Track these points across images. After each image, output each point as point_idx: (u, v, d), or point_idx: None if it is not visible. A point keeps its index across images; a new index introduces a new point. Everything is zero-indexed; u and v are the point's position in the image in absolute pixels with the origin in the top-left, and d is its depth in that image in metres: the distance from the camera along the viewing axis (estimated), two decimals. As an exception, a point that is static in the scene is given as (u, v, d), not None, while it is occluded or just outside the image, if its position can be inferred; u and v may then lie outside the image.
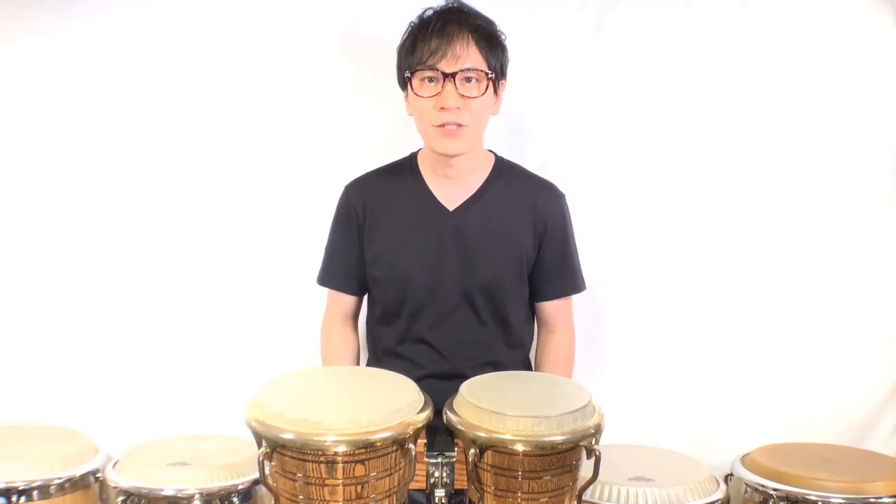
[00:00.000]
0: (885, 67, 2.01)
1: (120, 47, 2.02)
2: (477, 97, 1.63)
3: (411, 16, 1.71)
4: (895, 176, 2.04)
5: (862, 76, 2.01)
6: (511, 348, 1.77)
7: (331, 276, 1.83)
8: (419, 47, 1.62)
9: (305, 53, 2.04)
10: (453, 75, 1.60)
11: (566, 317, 1.84)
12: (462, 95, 1.61)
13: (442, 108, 1.61)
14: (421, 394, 1.41)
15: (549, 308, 1.82)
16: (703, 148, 2.04)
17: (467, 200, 1.74)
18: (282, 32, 2.03)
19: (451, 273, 1.71)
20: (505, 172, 1.78)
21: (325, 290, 1.87)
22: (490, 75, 1.64)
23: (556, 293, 1.80)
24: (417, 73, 1.63)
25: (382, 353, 1.78)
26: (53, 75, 2.02)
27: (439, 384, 1.54)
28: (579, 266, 1.83)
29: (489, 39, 1.65)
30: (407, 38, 1.67)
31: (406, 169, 1.79)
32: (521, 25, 1.94)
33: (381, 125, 2.03)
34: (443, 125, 1.63)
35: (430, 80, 1.63)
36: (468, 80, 1.62)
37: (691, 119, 2.04)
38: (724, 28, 2.01)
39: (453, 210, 1.73)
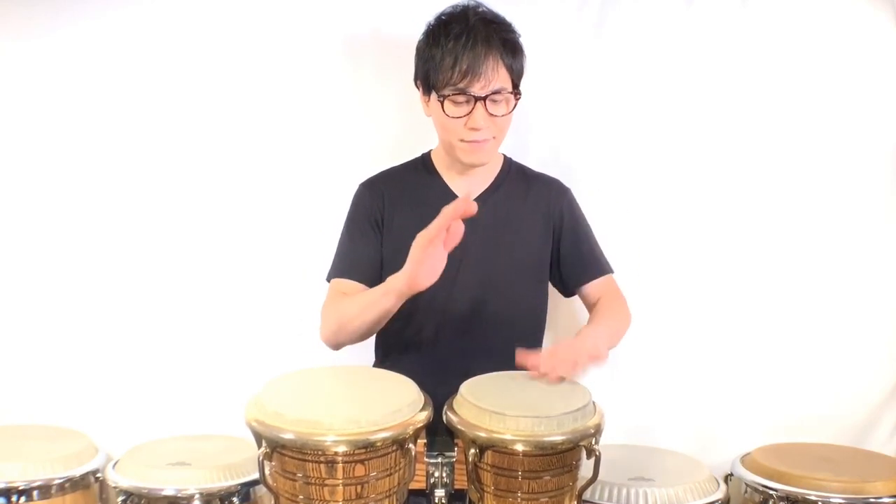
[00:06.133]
0: (885, 67, 2.01)
1: (120, 49, 2.02)
2: (505, 115, 1.65)
3: (413, 16, 1.71)
4: (895, 176, 2.04)
5: (862, 76, 2.01)
6: (525, 342, 1.76)
7: (349, 268, 1.77)
8: (447, 66, 1.59)
9: (305, 55, 2.04)
10: (484, 98, 1.61)
11: (613, 290, 1.82)
12: (491, 115, 1.62)
13: (472, 128, 1.63)
14: (421, 394, 1.41)
15: (590, 291, 1.81)
16: (703, 147, 2.04)
17: (483, 192, 1.77)
18: (285, 34, 2.03)
19: (469, 263, 1.72)
20: (514, 170, 1.83)
21: (325, 289, 1.86)
22: (517, 94, 1.66)
23: (590, 275, 1.80)
24: (448, 96, 1.62)
25: (395, 348, 1.78)
26: (56, 75, 2.03)
27: (455, 378, 1.52)
28: (601, 251, 1.84)
29: (514, 51, 1.65)
30: (432, 47, 1.63)
31: (420, 166, 1.81)
32: (522, 24, 1.94)
33: (380, 127, 2.04)
34: (471, 141, 1.65)
35: (459, 98, 1.62)
36: (496, 99, 1.63)
37: (692, 118, 2.04)
38: (724, 27, 2.01)
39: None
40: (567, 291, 1.85)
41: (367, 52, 2.03)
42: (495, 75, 1.60)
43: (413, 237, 1.72)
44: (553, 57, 2.02)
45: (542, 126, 2.05)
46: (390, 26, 1.99)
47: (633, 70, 2.03)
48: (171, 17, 2.02)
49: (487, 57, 1.59)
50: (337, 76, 2.04)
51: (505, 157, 1.83)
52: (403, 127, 1.97)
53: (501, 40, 1.62)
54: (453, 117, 1.63)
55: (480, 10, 1.66)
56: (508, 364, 1.59)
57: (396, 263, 1.73)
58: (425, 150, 1.83)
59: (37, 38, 2.02)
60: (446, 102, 1.62)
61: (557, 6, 2.03)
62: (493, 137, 1.67)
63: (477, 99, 1.60)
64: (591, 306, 1.81)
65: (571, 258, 1.80)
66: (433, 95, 1.65)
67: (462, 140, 1.65)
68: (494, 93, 1.61)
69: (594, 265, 1.81)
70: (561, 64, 2.04)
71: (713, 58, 2.02)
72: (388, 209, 1.76)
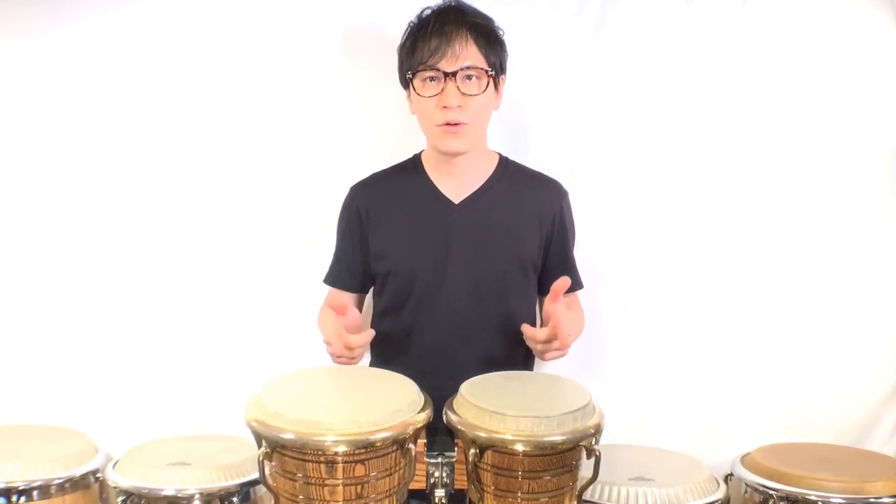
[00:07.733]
0: (885, 67, 2.01)
1: (120, 49, 2.02)
2: (478, 95, 1.66)
3: (412, 15, 1.72)
4: (895, 176, 2.04)
5: (862, 76, 2.01)
6: (514, 344, 1.77)
7: (335, 276, 1.85)
8: (419, 47, 1.65)
9: (305, 55, 2.04)
10: (454, 74, 1.63)
11: (577, 304, 1.88)
12: (463, 94, 1.64)
13: (444, 106, 1.64)
14: (421, 394, 1.41)
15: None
16: (704, 147, 2.04)
17: (472, 194, 1.76)
18: (285, 33, 2.03)
19: (457, 264, 1.72)
20: (510, 170, 1.82)
21: (325, 289, 1.87)
22: (490, 72, 1.67)
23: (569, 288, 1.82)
24: (419, 73, 1.66)
25: (387, 348, 1.79)
26: (56, 75, 2.02)
27: (444, 380, 1.52)
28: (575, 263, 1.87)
29: (487, 37, 1.68)
30: (407, 38, 1.70)
31: (410, 168, 1.82)
32: (522, 23, 1.94)
33: (380, 126, 2.04)
34: (445, 124, 1.65)
35: (432, 79, 1.65)
36: (469, 77, 1.65)
37: (692, 118, 2.03)
38: (724, 27, 2.01)
39: (459, 203, 1.76)
40: (541, 292, 1.85)
41: (367, 52, 2.03)
42: (464, 51, 1.63)
43: (399, 236, 1.75)
44: (553, 57, 2.02)
45: (541, 126, 2.04)
46: (391, 27, 1.98)
47: (633, 70, 2.03)
48: (171, 17, 2.02)
49: (456, 35, 1.63)
50: (337, 76, 2.04)
51: (500, 157, 1.83)
52: (403, 127, 1.97)
53: (472, 24, 1.66)
54: (425, 97, 1.65)
55: (455, 3, 1.70)
56: (503, 363, 1.60)
57: (384, 260, 1.75)
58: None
59: (37, 38, 2.01)
60: (417, 81, 1.66)
61: (557, 6, 2.03)
62: (469, 123, 1.66)
63: (447, 75, 1.62)
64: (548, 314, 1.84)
65: (554, 266, 1.81)
66: (410, 80, 1.68)
67: (437, 124, 1.66)
68: (465, 70, 1.63)
69: (573, 279, 1.81)
70: (561, 64, 2.03)
71: (713, 58, 2.02)
72: (374, 210, 1.78)
